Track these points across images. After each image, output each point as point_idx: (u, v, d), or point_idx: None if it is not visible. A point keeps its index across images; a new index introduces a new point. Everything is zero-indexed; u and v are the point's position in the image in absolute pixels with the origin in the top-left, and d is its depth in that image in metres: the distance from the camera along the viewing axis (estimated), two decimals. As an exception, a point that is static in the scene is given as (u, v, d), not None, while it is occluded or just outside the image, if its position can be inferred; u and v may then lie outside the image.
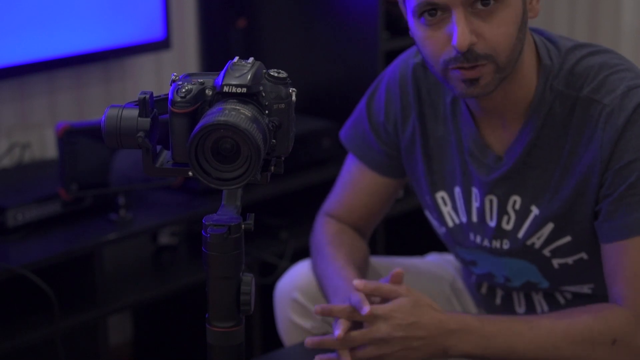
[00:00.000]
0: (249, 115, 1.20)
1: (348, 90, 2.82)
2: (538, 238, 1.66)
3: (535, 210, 1.64)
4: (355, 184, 1.85)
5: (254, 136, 1.17)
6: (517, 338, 1.56)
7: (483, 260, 1.75)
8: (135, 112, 1.25)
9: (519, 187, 1.65)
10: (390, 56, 2.87)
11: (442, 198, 1.75)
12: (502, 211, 1.68)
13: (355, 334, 1.58)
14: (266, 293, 2.68)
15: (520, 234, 1.67)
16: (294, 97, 1.26)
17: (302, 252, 2.68)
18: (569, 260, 1.67)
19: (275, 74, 1.26)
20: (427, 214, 1.82)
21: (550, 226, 1.64)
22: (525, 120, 1.62)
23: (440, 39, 1.51)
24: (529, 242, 1.67)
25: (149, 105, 1.25)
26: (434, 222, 1.80)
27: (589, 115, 1.57)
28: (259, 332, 2.64)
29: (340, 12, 2.79)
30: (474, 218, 1.71)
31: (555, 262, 1.68)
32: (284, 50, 2.91)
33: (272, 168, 1.27)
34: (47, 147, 2.65)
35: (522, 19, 1.53)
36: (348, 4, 2.76)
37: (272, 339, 2.43)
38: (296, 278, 1.88)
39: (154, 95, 1.28)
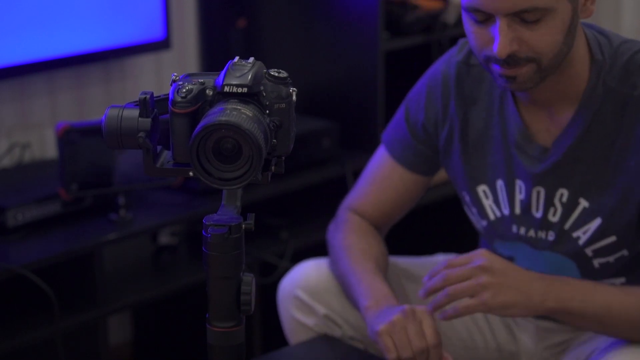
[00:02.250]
0: (250, 115, 1.20)
1: (348, 90, 2.82)
2: (584, 232, 1.66)
3: (584, 203, 1.65)
4: (384, 180, 1.84)
5: (256, 136, 1.17)
6: (613, 296, 1.59)
7: (522, 254, 1.75)
8: (135, 112, 1.25)
9: (567, 179, 1.66)
10: (390, 56, 2.88)
11: (484, 191, 1.75)
12: (548, 203, 1.69)
13: (456, 260, 1.62)
14: (266, 293, 2.68)
15: (567, 225, 1.68)
16: (294, 97, 1.26)
17: (302, 252, 2.68)
18: (611, 258, 1.68)
19: (276, 74, 1.26)
20: (466, 209, 1.82)
21: (597, 221, 1.65)
22: (574, 114, 1.63)
23: (484, 36, 1.55)
24: (574, 235, 1.67)
25: (149, 105, 1.25)
26: (473, 217, 1.81)
27: None
28: (259, 332, 2.64)
29: (340, 12, 2.79)
30: (517, 210, 1.72)
31: (597, 262, 1.69)
32: (284, 50, 2.91)
33: (273, 168, 1.27)
34: (47, 147, 2.65)
35: (570, 24, 1.54)
36: (348, 4, 2.76)
37: (272, 339, 2.43)
38: (298, 276, 1.88)
39: (154, 95, 1.28)
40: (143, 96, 1.25)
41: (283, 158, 1.28)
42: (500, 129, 1.71)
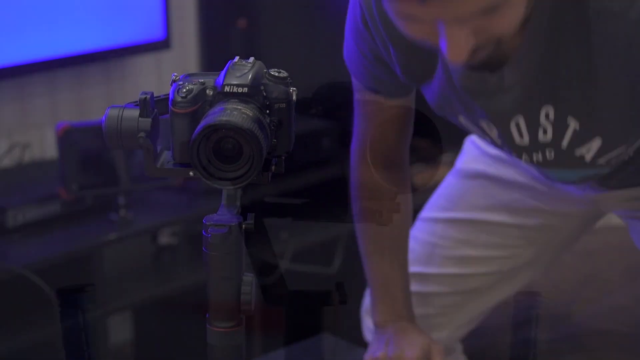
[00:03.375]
0: (251, 115, 1.20)
1: (348, 90, 2.81)
2: (587, 150, 1.41)
3: (574, 124, 1.38)
4: (369, 115, 1.70)
5: (256, 136, 1.17)
6: None
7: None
8: (136, 112, 1.25)
9: (545, 95, 1.36)
10: (390, 56, 2.88)
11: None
12: (533, 126, 1.40)
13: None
14: (266, 293, 2.67)
15: (564, 144, 1.40)
16: (294, 97, 1.26)
17: (303, 252, 2.68)
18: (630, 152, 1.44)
19: (276, 74, 1.26)
20: None
21: (598, 141, 1.39)
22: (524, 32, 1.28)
23: (424, 29, 1.22)
24: (577, 154, 1.41)
25: (149, 105, 1.25)
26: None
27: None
28: (259, 332, 2.64)
29: (340, 12, 2.79)
30: (499, 142, 1.46)
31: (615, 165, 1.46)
32: (284, 50, 2.91)
33: (273, 168, 1.27)
34: (47, 147, 2.65)
35: None
36: (348, 4, 2.76)
37: (272, 339, 2.43)
38: None
39: (154, 95, 1.28)
40: (143, 96, 1.24)
41: (283, 158, 1.28)
42: (444, 69, 1.41)
